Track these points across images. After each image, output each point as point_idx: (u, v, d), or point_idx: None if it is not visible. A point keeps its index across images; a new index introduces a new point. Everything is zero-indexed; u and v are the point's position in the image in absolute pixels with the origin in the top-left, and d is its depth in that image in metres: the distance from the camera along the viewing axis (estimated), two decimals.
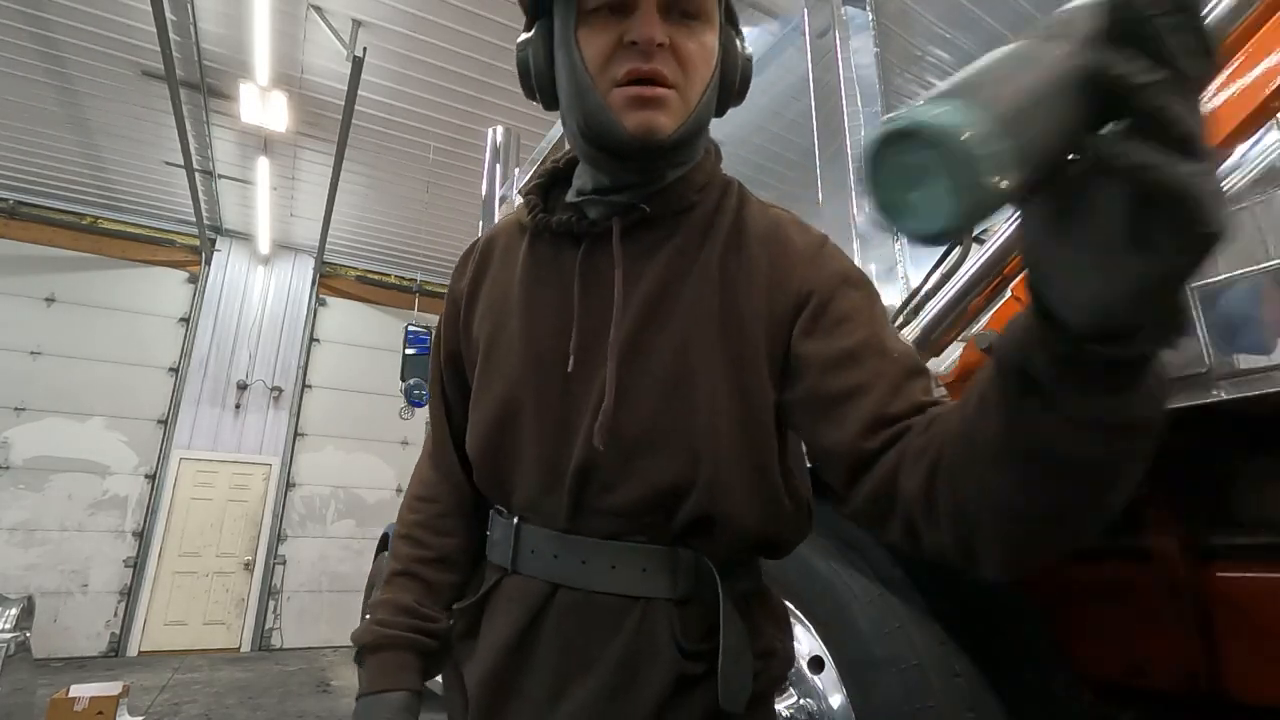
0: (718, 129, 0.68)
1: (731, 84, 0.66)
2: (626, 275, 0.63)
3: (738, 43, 0.66)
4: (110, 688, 4.40)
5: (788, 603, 1.33)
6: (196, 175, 6.89)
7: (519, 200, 0.73)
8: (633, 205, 0.64)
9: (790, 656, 0.69)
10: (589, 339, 0.63)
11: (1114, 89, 0.26)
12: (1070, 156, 0.28)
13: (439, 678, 0.76)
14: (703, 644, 0.60)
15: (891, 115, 0.29)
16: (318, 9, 5.24)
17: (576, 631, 0.61)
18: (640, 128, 0.58)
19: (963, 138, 0.25)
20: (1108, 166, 0.26)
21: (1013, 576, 0.47)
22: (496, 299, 0.71)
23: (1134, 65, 0.26)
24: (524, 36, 0.66)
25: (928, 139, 0.26)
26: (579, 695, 0.59)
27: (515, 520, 0.66)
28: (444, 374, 0.78)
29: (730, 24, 0.66)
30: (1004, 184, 0.25)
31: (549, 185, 0.73)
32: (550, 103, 0.66)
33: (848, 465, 0.54)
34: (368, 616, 0.73)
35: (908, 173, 0.27)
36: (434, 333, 0.83)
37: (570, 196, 0.70)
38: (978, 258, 0.92)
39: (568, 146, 0.71)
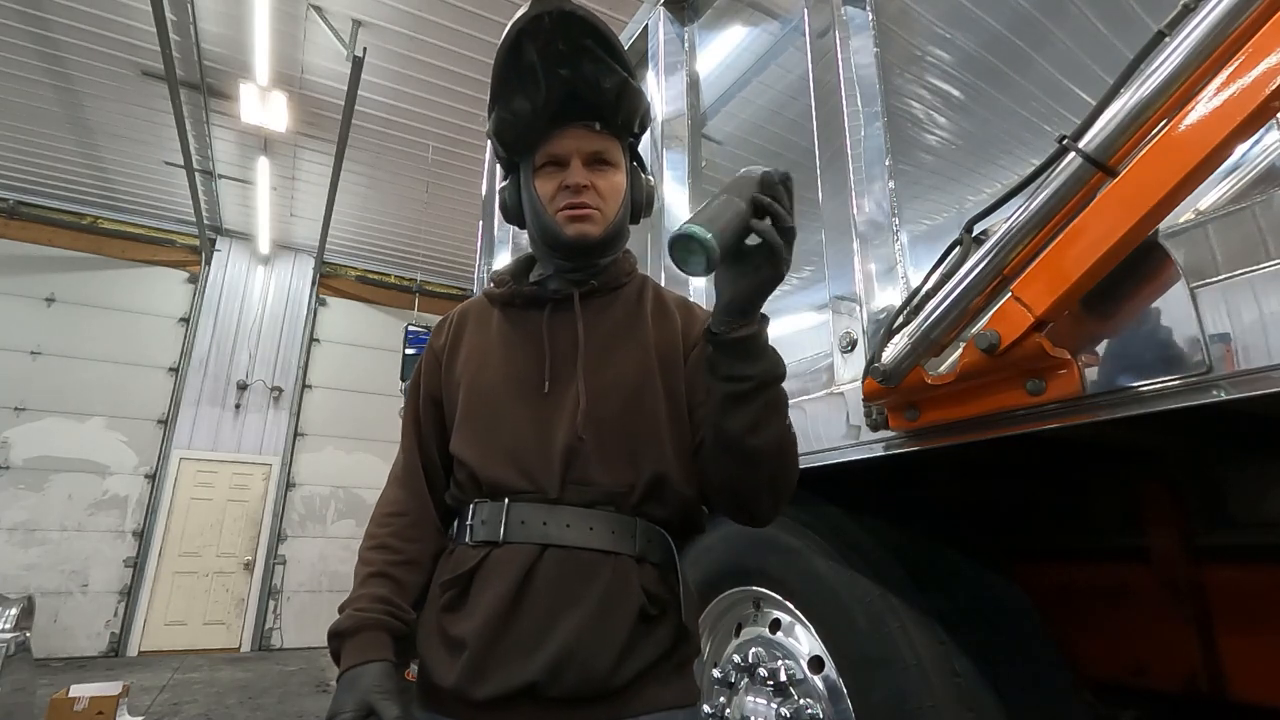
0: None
1: (639, 204, 0.98)
2: (585, 324, 0.90)
3: (642, 176, 0.98)
4: (110, 688, 4.40)
5: (789, 603, 1.34)
6: (196, 175, 6.89)
7: (489, 284, 1.02)
8: (586, 280, 0.93)
9: (699, 644, 0.91)
10: (559, 368, 0.88)
11: (758, 225, 0.69)
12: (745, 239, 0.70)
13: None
14: (658, 593, 0.82)
15: (680, 228, 0.66)
16: (318, 9, 5.24)
17: (565, 578, 0.79)
18: (576, 234, 0.89)
19: (705, 239, 0.65)
20: (764, 236, 0.69)
21: (739, 503, 0.83)
22: (474, 350, 0.95)
23: (764, 212, 0.69)
24: (502, 184, 0.98)
25: (699, 241, 0.65)
26: (569, 623, 0.76)
27: (505, 501, 0.83)
28: (422, 411, 0.97)
29: (637, 164, 0.98)
30: (717, 256, 0.66)
31: (516, 272, 1.01)
32: (520, 224, 0.97)
33: (699, 439, 0.87)
34: (341, 611, 0.84)
35: (689, 253, 0.66)
36: (411, 380, 1.02)
37: (532, 278, 0.98)
38: (978, 258, 0.92)
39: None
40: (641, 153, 1.01)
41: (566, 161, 0.89)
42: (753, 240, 0.70)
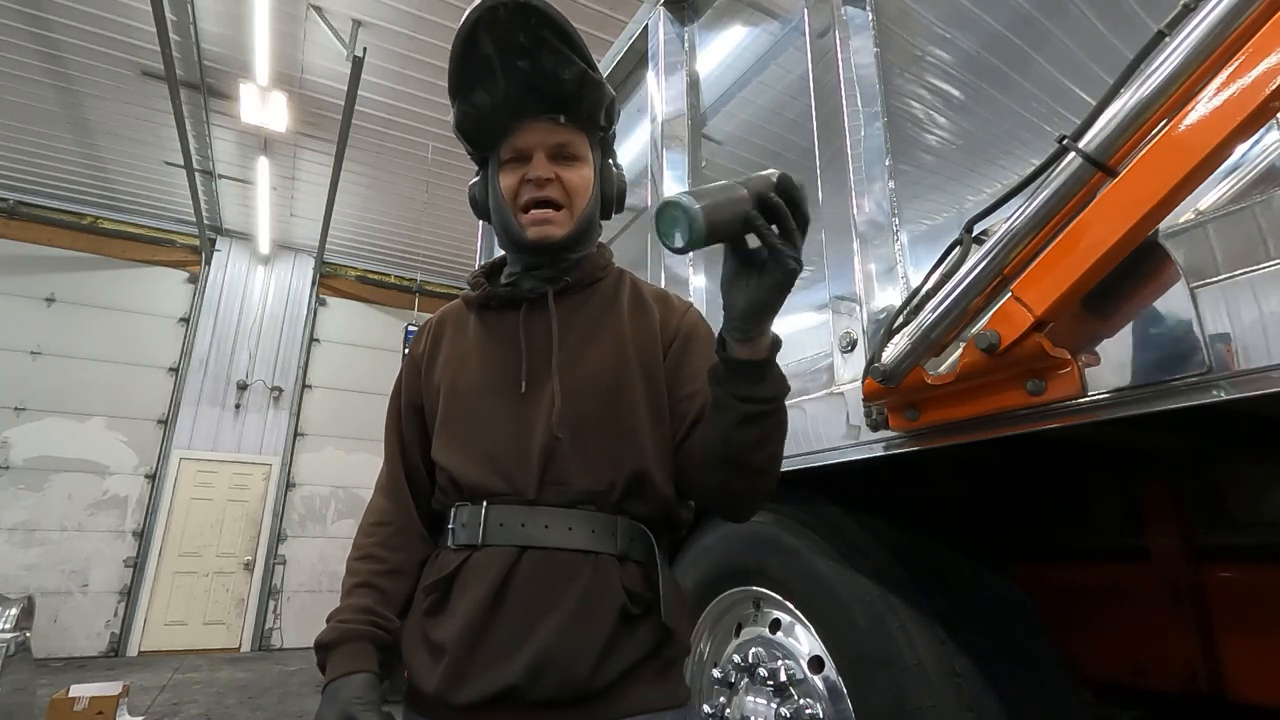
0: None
1: (610, 198, 0.97)
2: (560, 323, 0.89)
3: (614, 169, 0.97)
4: (110, 688, 4.40)
5: (789, 603, 1.34)
6: (196, 175, 6.89)
7: (466, 288, 1.00)
8: (559, 277, 0.92)
9: (688, 642, 0.88)
10: (535, 368, 0.87)
11: (757, 220, 0.66)
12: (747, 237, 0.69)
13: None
14: (641, 591, 0.81)
15: (669, 197, 0.65)
16: (318, 9, 5.24)
17: (544, 580, 0.78)
18: (538, 235, 0.88)
19: (692, 209, 0.63)
20: (762, 236, 0.66)
21: (729, 507, 0.84)
22: (453, 355, 0.94)
23: (762, 217, 0.66)
24: (473, 180, 0.98)
25: (683, 208, 0.64)
26: (549, 625, 0.76)
27: (484, 504, 0.83)
28: (403, 418, 0.97)
29: (609, 157, 0.97)
30: (702, 230, 0.63)
31: (490, 272, 1.00)
32: (488, 219, 0.96)
33: (683, 434, 0.87)
34: (328, 622, 0.83)
35: (674, 221, 0.64)
36: (393, 388, 1.01)
37: (504, 279, 0.97)
38: (978, 258, 0.92)
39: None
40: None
41: (530, 155, 0.87)
42: (754, 243, 0.68)
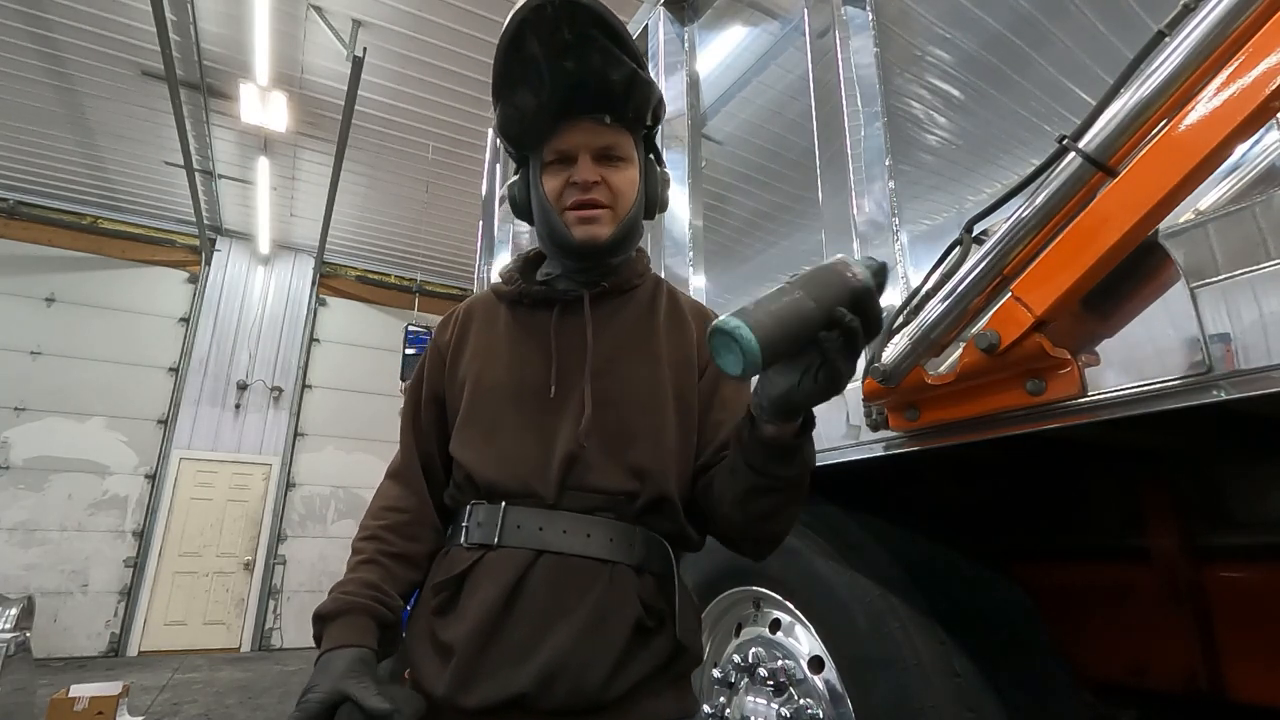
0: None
1: (654, 199, 0.94)
2: (594, 328, 0.87)
3: (658, 169, 0.94)
4: (110, 688, 4.40)
5: (789, 603, 1.34)
6: (196, 175, 6.88)
7: (496, 279, 0.98)
8: (596, 281, 0.90)
9: (700, 654, 0.87)
10: (565, 373, 0.85)
11: (827, 339, 0.60)
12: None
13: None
14: (657, 604, 0.79)
15: (723, 318, 0.59)
16: (318, 9, 5.24)
17: (559, 586, 0.77)
18: (585, 236, 0.85)
19: (746, 341, 0.56)
20: (826, 355, 0.61)
21: (746, 545, 0.82)
22: (480, 348, 0.92)
23: (841, 332, 0.60)
24: (512, 179, 0.94)
25: (732, 335, 0.57)
26: (562, 633, 0.74)
27: (502, 504, 0.81)
28: (423, 408, 0.94)
29: (654, 157, 0.94)
30: (757, 362, 0.57)
31: (524, 268, 0.97)
32: (529, 219, 0.93)
33: (709, 457, 0.86)
34: (330, 594, 0.81)
35: (726, 348, 0.58)
36: (413, 374, 0.99)
37: (539, 277, 0.95)
38: (978, 258, 0.92)
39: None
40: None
41: (574, 157, 0.85)
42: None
